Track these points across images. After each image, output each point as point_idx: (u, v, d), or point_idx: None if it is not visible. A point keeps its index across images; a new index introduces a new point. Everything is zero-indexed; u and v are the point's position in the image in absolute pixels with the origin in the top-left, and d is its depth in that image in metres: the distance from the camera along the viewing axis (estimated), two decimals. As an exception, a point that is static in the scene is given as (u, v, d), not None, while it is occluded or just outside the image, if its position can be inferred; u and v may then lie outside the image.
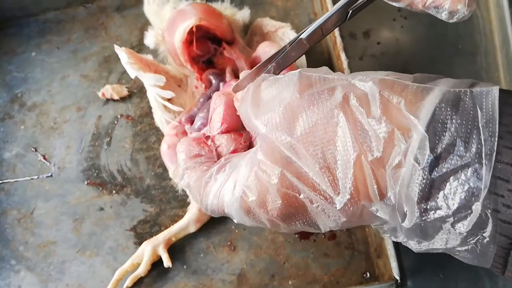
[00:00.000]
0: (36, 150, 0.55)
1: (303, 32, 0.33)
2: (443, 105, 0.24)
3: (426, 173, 0.23)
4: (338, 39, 0.45)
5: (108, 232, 0.51)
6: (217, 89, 0.47)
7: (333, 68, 0.52)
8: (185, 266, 0.49)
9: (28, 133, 0.56)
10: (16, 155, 0.55)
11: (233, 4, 0.54)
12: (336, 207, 0.26)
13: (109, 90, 0.56)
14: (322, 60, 0.55)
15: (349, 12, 0.33)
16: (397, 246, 0.42)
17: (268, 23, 0.53)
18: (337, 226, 0.28)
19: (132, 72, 0.46)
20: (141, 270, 0.47)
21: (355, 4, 0.32)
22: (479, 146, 0.22)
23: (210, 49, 0.51)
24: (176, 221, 0.50)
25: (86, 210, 0.52)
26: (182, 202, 0.51)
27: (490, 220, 0.22)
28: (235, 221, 0.31)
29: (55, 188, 0.53)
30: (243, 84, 0.35)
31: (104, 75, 0.58)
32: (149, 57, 0.51)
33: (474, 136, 0.23)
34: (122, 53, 0.47)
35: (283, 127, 0.27)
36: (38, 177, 0.54)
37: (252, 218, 0.29)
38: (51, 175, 0.54)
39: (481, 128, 0.23)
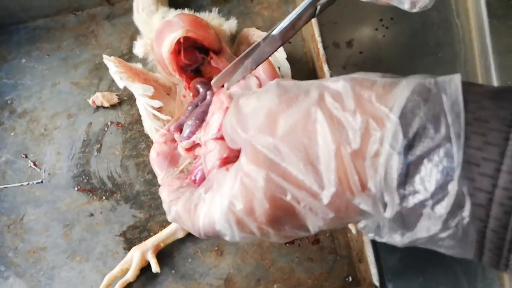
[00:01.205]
0: (26, 157, 0.56)
1: (274, 28, 0.35)
2: (411, 94, 0.25)
3: (401, 157, 0.24)
4: (321, 51, 0.47)
5: (98, 237, 0.52)
6: (204, 98, 0.48)
7: (316, 78, 0.54)
8: (173, 271, 0.50)
9: (18, 139, 0.57)
10: (6, 162, 0.56)
11: (220, 15, 0.55)
12: (323, 202, 0.27)
13: (100, 98, 0.57)
14: (307, 69, 0.56)
15: (317, 7, 0.34)
16: (377, 252, 0.44)
17: (255, 33, 0.54)
18: (326, 224, 0.28)
19: (121, 82, 0.47)
20: (130, 276, 0.48)
21: None
22: (447, 127, 0.24)
23: (198, 59, 0.52)
24: (165, 227, 0.51)
25: (76, 216, 0.53)
26: (170, 208, 0.52)
27: (468, 199, 0.23)
28: (227, 239, 0.30)
29: (45, 194, 0.54)
30: (222, 80, 0.36)
31: (95, 83, 0.59)
32: (139, 65, 0.52)
33: (442, 119, 0.24)
34: (110, 63, 0.48)
35: (265, 130, 0.28)
36: (28, 183, 0.55)
37: (242, 229, 0.29)
38: (42, 181, 0.55)
39: (447, 111, 0.24)
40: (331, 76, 0.46)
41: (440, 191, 0.24)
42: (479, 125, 0.24)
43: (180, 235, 0.49)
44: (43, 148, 0.56)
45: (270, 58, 0.50)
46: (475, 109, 0.24)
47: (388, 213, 0.26)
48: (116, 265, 0.50)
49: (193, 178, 0.40)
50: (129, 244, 0.51)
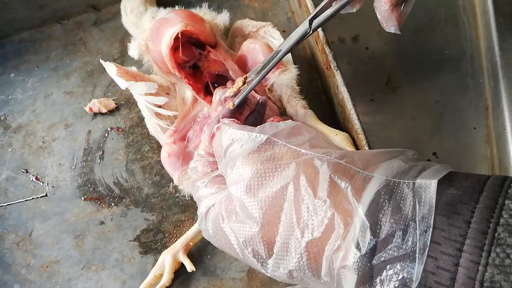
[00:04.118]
0: (27, 172, 0.55)
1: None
2: (386, 196, 0.26)
3: (365, 259, 0.25)
4: (321, 33, 0.47)
5: (112, 245, 0.51)
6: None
7: (316, 62, 0.54)
8: (194, 270, 0.49)
9: (17, 155, 0.55)
10: (7, 179, 0.54)
11: (212, 9, 0.54)
12: (267, 269, 0.29)
13: (96, 104, 0.56)
14: (304, 55, 0.57)
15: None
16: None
17: (249, 24, 0.54)
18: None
19: (123, 84, 0.47)
20: (166, 280, 0.47)
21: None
22: (414, 239, 0.24)
23: (195, 54, 0.51)
24: (179, 227, 0.51)
25: (86, 225, 0.52)
26: (183, 207, 0.51)
27: None
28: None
29: (52, 207, 0.53)
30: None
31: (89, 90, 0.58)
32: (133, 69, 0.51)
33: (411, 230, 0.24)
34: (110, 65, 0.47)
35: (245, 188, 0.30)
36: (32, 198, 0.53)
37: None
38: (46, 195, 0.53)
39: (417, 223, 0.24)
40: (333, 56, 0.46)
41: None
42: (431, 247, 0.24)
43: (208, 231, 0.49)
44: (43, 161, 0.55)
45: (269, 44, 0.50)
46: (448, 213, 0.24)
47: None
48: (134, 271, 0.49)
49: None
50: (145, 248, 0.50)
